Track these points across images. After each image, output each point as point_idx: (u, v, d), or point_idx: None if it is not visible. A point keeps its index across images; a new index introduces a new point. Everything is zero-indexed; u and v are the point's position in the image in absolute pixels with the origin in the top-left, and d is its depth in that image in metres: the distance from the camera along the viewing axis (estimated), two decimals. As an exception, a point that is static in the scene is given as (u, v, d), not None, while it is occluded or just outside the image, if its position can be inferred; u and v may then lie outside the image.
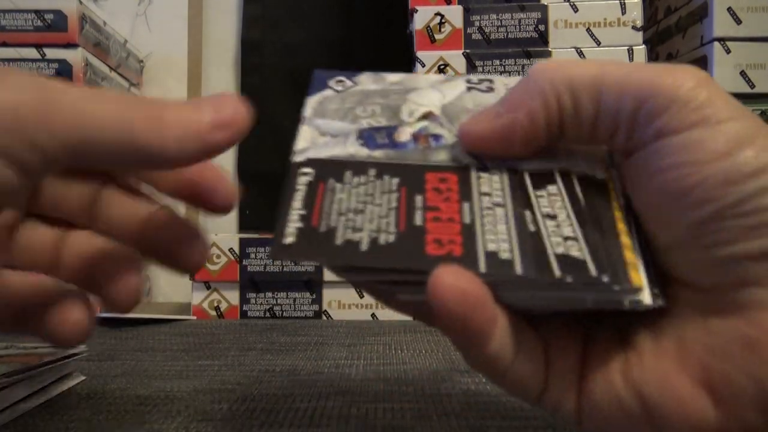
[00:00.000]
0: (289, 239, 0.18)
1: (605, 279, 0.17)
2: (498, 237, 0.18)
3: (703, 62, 0.54)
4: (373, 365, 0.36)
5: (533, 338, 0.19)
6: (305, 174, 0.21)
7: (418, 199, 0.20)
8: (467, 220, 0.19)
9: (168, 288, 0.79)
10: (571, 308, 0.19)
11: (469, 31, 0.55)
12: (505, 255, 0.18)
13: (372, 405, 0.29)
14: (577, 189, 0.20)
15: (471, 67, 0.54)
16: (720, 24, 0.53)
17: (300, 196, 0.20)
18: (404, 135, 0.22)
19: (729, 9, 0.53)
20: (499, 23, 0.55)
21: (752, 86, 0.52)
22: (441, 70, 0.55)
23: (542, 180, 0.20)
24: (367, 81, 0.25)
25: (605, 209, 0.19)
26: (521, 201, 0.20)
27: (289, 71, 0.77)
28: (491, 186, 0.20)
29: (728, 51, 0.53)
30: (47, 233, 0.22)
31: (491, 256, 0.18)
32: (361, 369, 0.35)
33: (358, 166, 0.21)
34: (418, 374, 0.34)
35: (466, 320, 0.17)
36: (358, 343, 0.43)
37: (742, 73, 0.53)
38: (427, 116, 0.23)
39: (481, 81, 0.25)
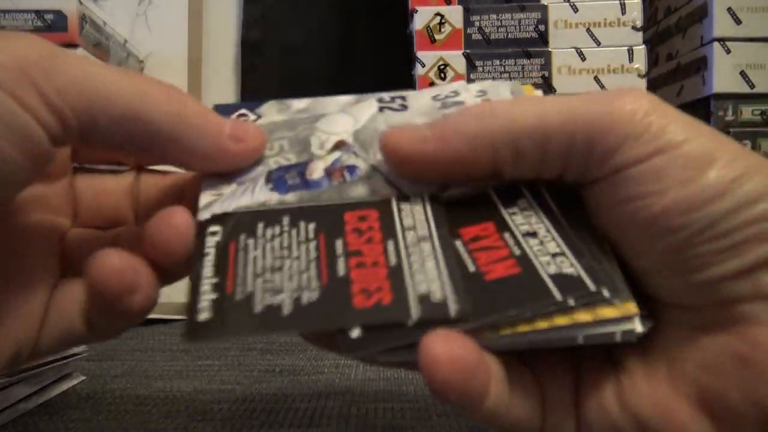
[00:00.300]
0: (203, 315, 0.16)
1: (606, 294, 0.16)
2: (427, 276, 0.17)
3: (703, 62, 0.54)
4: (373, 365, 0.36)
5: (527, 377, 0.18)
6: (213, 233, 0.18)
7: (339, 245, 0.18)
8: (393, 261, 0.17)
9: (168, 288, 0.79)
10: (559, 346, 0.17)
11: (469, 31, 0.55)
12: (437, 296, 0.16)
13: (372, 405, 0.29)
14: (549, 200, 0.19)
15: (471, 67, 0.54)
16: (720, 24, 0.53)
17: (210, 262, 0.17)
18: (317, 171, 0.20)
19: (729, 9, 0.53)
20: (499, 23, 0.55)
21: (752, 86, 0.52)
22: (441, 70, 0.55)
23: (510, 196, 0.19)
24: (271, 112, 0.23)
25: (584, 219, 0.18)
26: (448, 230, 0.18)
27: (289, 71, 0.77)
28: (414, 218, 0.18)
29: (728, 51, 0.53)
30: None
31: (424, 299, 0.16)
32: (361, 369, 0.35)
33: (271, 216, 0.19)
34: (418, 374, 0.34)
35: (464, 388, 0.16)
36: (358, 343, 0.42)
37: (742, 73, 0.53)
38: (339, 146, 0.21)
39: (393, 98, 0.23)
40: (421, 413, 0.27)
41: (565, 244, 0.17)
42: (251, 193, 0.20)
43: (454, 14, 0.55)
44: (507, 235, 0.18)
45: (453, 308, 0.16)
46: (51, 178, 0.21)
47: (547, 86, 0.54)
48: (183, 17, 0.79)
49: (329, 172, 0.20)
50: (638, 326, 0.16)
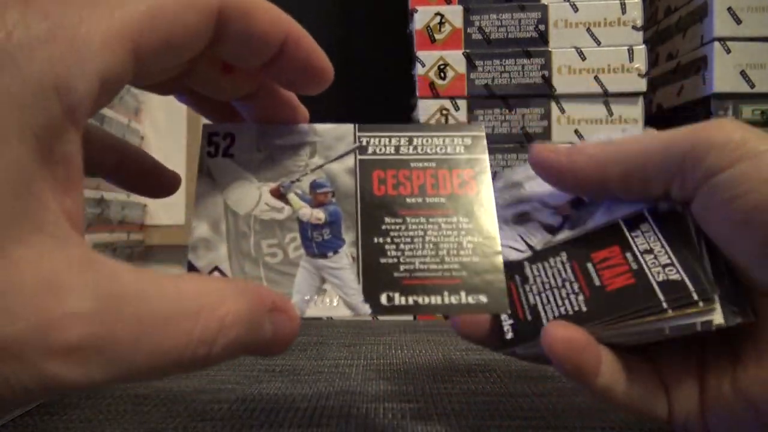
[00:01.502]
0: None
1: (695, 296, 0.20)
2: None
3: (703, 62, 0.54)
4: (373, 365, 0.36)
5: (646, 369, 0.22)
6: None
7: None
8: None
9: (168, 288, 0.79)
10: (652, 338, 0.21)
11: (469, 31, 0.55)
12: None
13: (372, 405, 0.29)
14: (664, 220, 0.23)
15: (471, 67, 0.54)
16: (720, 24, 0.53)
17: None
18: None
19: (729, 9, 0.53)
20: (499, 23, 0.55)
21: (752, 86, 0.52)
22: (441, 69, 0.55)
23: (635, 222, 0.23)
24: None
25: (688, 237, 0.22)
26: (584, 254, 0.24)
27: (289, 71, 0.77)
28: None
29: (728, 51, 0.52)
30: None
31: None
32: (361, 369, 0.35)
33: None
34: (418, 374, 0.34)
35: (576, 362, 0.21)
36: (358, 343, 0.43)
37: (742, 73, 0.53)
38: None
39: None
40: (421, 413, 0.27)
41: (674, 256, 0.22)
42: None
43: (454, 14, 0.55)
44: (629, 254, 0.23)
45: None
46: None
47: (547, 86, 0.54)
48: (183, 17, 0.79)
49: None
50: (718, 319, 0.20)
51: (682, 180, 0.21)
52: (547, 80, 0.54)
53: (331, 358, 0.38)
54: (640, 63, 0.53)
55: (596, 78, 0.53)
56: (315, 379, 0.33)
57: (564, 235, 0.25)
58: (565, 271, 0.24)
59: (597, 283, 0.23)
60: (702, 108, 0.54)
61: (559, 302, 0.23)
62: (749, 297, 0.21)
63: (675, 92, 0.59)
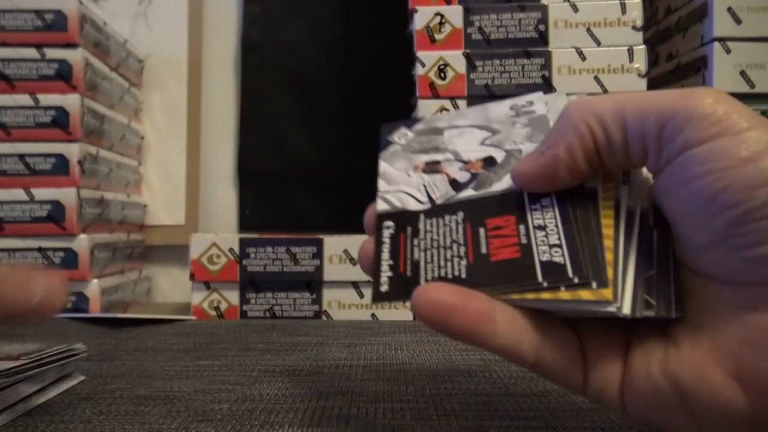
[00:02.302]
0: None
1: (576, 280, 0.20)
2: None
3: (703, 62, 0.54)
4: (373, 365, 0.36)
5: (563, 332, 0.21)
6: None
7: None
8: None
9: (168, 288, 0.79)
10: (568, 315, 0.21)
11: (469, 31, 0.55)
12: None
13: (372, 405, 0.29)
14: (570, 201, 0.22)
15: (471, 67, 0.54)
16: (720, 24, 0.53)
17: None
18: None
19: (729, 9, 0.53)
20: (499, 23, 0.55)
21: (752, 86, 0.52)
22: (441, 69, 0.55)
23: (537, 196, 0.23)
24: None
25: (587, 219, 0.21)
26: (479, 219, 0.23)
27: (289, 71, 0.77)
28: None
29: (728, 51, 0.53)
30: None
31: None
32: (361, 369, 0.35)
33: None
34: (418, 374, 0.34)
35: (442, 325, 0.20)
36: (358, 343, 0.43)
37: (742, 73, 0.53)
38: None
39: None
40: (421, 413, 0.27)
41: (564, 237, 0.21)
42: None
43: (454, 14, 0.55)
44: (522, 227, 0.22)
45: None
46: None
47: (547, 86, 0.54)
48: (183, 17, 0.79)
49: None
50: (623, 310, 0.20)
51: (657, 150, 0.20)
52: (547, 80, 0.54)
53: (331, 358, 0.38)
54: (640, 63, 0.53)
55: (596, 78, 0.53)
56: (315, 379, 0.33)
57: (467, 193, 0.24)
58: (457, 231, 0.23)
59: (483, 250, 0.22)
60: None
61: (442, 263, 0.22)
62: (687, 287, 0.20)
63: (675, 92, 0.59)
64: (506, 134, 0.26)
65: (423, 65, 0.55)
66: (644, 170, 0.22)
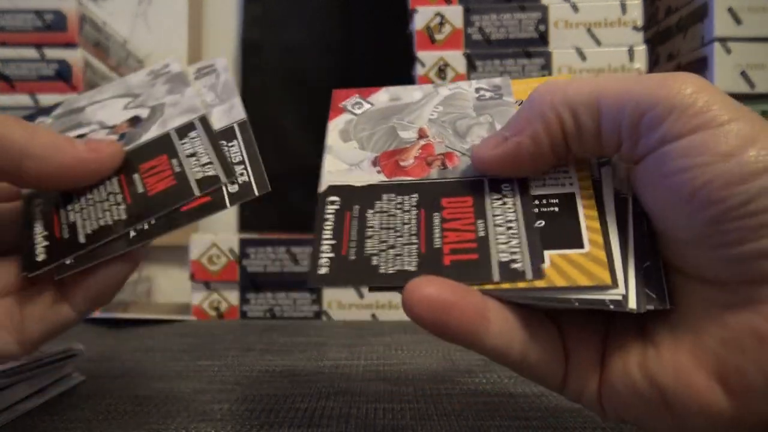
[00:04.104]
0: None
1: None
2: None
3: (703, 62, 0.54)
4: (373, 365, 0.36)
5: (548, 330, 0.20)
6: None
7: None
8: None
9: (168, 288, 0.79)
10: (563, 307, 0.20)
11: (469, 31, 0.55)
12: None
13: (372, 405, 0.28)
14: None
15: (471, 67, 0.54)
16: (720, 24, 0.53)
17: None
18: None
19: (729, 9, 0.52)
20: (500, 23, 0.55)
21: (752, 86, 0.52)
22: (441, 70, 0.55)
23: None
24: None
25: (573, 220, 0.20)
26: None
27: (289, 71, 0.77)
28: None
29: (728, 51, 0.52)
30: None
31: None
32: (361, 369, 0.35)
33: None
34: (418, 374, 0.34)
35: (439, 323, 0.18)
36: (358, 343, 0.42)
37: (743, 74, 0.53)
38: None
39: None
40: (421, 413, 0.27)
41: (215, 154, 0.24)
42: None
43: (455, 14, 0.55)
44: (174, 161, 0.24)
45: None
46: None
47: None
48: (183, 17, 0.79)
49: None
50: (629, 304, 0.18)
51: (633, 140, 0.19)
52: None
53: (331, 358, 0.38)
54: (641, 63, 0.53)
55: (596, 78, 0.53)
56: (315, 379, 0.33)
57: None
58: (111, 184, 0.24)
59: (140, 190, 0.23)
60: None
61: (100, 215, 0.23)
62: (672, 280, 0.19)
63: (675, 92, 0.59)
64: (147, 95, 0.28)
65: (423, 65, 0.55)
66: None
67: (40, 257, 0.22)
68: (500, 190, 0.22)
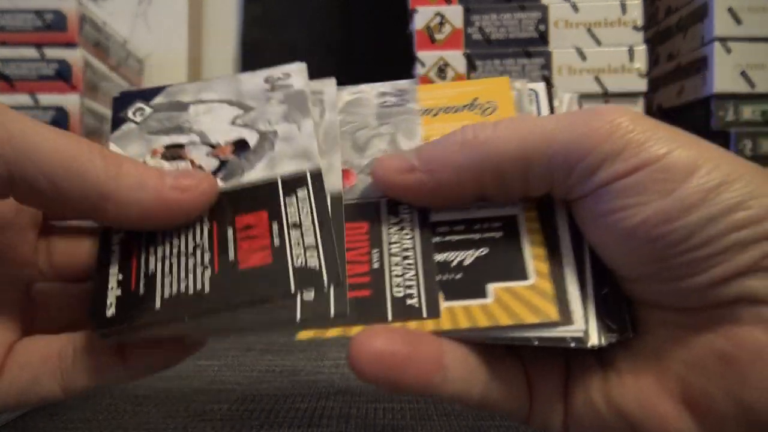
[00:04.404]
0: (110, 311, 0.18)
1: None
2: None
3: (703, 62, 0.54)
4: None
5: (510, 365, 0.19)
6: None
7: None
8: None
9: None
10: (522, 344, 0.18)
11: (469, 31, 0.55)
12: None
13: (372, 405, 0.28)
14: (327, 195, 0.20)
15: (471, 67, 0.54)
16: (720, 24, 0.53)
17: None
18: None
19: (729, 9, 0.52)
20: (500, 23, 0.55)
21: (752, 86, 0.52)
22: (441, 70, 0.55)
23: (292, 185, 0.20)
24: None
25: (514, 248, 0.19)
26: (229, 217, 0.20)
27: (289, 71, 0.77)
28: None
29: (729, 51, 0.52)
30: None
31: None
32: (361, 369, 0.35)
33: None
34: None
35: (393, 382, 0.17)
36: (358, 343, 0.42)
37: (743, 73, 0.53)
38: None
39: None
40: (421, 413, 0.27)
41: (321, 237, 0.18)
42: None
43: (454, 14, 0.55)
44: (275, 225, 0.19)
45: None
46: (14, 230, 0.21)
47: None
48: (183, 17, 0.79)
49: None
50: (591, 340, 0.17)
51: (563, 185, 0.18)
52: (548, 80, 0.54)
53: (331, 358, 0.38)
54: (641, 63, 0.53)
55: (597, 78, 0.53)
56: (315, 379, 0.33)
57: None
58: (202, 233, 0.19)
59: (231, 257, 0.19)
60: (702, 108, 0.54)
61: (182, 275, 0.19)
62: (627, 308, 0.19)
63: (675, 92, 0.59)
64: (260, 112, 0.22)
65: (423, 65, 0.55)
66: None
67: (110, 312, 0.18)
68: (398, 213, 0.20)
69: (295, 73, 0.23)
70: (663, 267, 0.16)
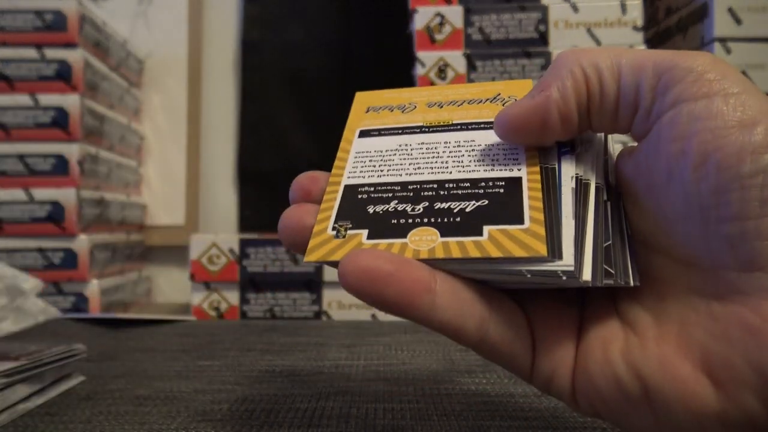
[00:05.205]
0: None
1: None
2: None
3: (703, 62, 0.54)
4: (373, 365, 0.36)
5: (511, 308, 0.20)
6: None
7: None
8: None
9: (168, 288, 0.79)
10: (516, 282, 0.19)
11: (469, 31, 0.55)
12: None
13: (372, 405, 0.28)
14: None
15: (471, 67, 0.54)
16: (720, 24, 0.53)
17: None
18: None
19: (729, 9, 0.53)
20: (500, 23, 0.55)
21: (752, 86, 0.52)
22: (441, 70, 0.55)
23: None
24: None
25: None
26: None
27: (289, 71, 0.77)
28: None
29: (729, 51, 0.52)
30: None
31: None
32: (361, 369, 0.35)
33: None
34: (418, 374, 0.34)
35: (375, 296, 0.18)
36: (358, 343, 0.42)
37: (743, 74, 0.53)
38: None
39: None
40: (421, 413, 0.27)
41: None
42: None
43: (454, 14, 0.55)
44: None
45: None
46: None
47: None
48: (183, 17, 0.79)
49: None
50: (583, 276, 0.18)
51: (648, 105, 0.19)
52: (548, 80, 0.54)
53: (331, 359, 0.38)
54: (641, 63, 0.53)
55: (596, 78, 0.53)
56: (315, 379, 0.33)
57: None
58: None
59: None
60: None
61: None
62: (651, 275, 0.19)
63: (675, 92, 0.59)
64: None
65: (423, 65, 0.55)
66: (599, 143, 0.22)
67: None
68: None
69: None
70: (720, 201, 0.17)
